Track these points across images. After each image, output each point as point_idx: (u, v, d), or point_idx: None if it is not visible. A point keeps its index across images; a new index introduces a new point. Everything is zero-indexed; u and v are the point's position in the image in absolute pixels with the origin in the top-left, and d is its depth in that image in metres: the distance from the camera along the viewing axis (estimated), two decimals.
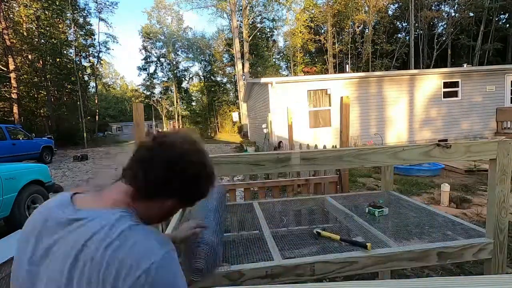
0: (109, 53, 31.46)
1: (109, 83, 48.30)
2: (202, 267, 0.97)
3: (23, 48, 20.99)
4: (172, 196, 0.73)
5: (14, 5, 20.73)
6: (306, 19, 31.01)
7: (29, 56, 22.34)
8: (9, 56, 18.99)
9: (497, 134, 11.22)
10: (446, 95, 11.12)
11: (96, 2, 27.06)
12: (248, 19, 29.14)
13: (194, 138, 0.77)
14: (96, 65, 29.29)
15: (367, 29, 30.66)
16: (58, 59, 24.35)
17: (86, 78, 28.33)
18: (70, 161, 13.56)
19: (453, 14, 28.73)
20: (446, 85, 11.10)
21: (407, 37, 29.17)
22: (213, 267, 1.02)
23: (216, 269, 1.04)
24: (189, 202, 0.80)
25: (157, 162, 0.69)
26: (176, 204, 0.75)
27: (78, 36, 26.18)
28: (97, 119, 30.25)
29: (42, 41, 22.55)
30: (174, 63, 36.44)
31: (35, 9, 21.72)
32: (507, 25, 28.09)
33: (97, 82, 31.55)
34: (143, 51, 36.50)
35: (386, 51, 29.04)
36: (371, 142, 10.25)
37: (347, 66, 23.64)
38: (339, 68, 31.04)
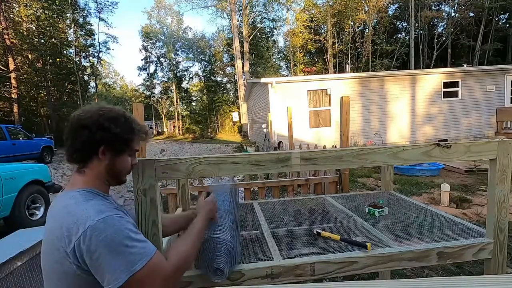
0: (109, 53, 31.51)
1: (109, 83, 48.27)
2: (223, 268, 0.99)
3: (23, 48, 20.99)
4: (95, 147, 0.86)
5: (14, 5, 20.72)
6: (306, 19, 30.99)
7: (29, 56, 22.34)
8: (9, 56, 18.99)
9: (497, 134, 11.22)
10: (446, 95, 11.12)
11: (96, 2, 27.09)
12: (248, 19, 29.14)
13: (92, 106, 0.90)
14: (96, 65, 29.29)
15: (367, 29, 30.65)
16: (58, 59, 24.35)
17: (86, 78, 28.32)
18: None
19: (453, 14, 28.73)
20: (446, 85, 11.10)
21: (407, 37, 29.16)
22: (233, 266, 1.04)
23: (235, 268, 1.06)
24: (117, 143, 0.88)
25: (66, 134, 0.89)
26: (109, 152, 0.88)
27: (78, 36, 26.18)
28: None
29: (42, 41, 22.55)
30: (174, 63, 36.43)
31: (35, 9, 21.72)
32: (507, 25, 28.08)
33: (97, 82, 31.54)
34: (143, 51, 36.50)
35: (386, 51, 29.03)
36: (371, 142, 10.25)
37: (347, 66, 23.58)
38: (339, 68, 31.03)
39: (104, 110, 0.88)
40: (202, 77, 37.74)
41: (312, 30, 32.26)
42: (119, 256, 0.74)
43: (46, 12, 22.32)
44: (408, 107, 11.01)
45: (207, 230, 1.10)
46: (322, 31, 33.21)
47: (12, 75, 18.93)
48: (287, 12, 32.93)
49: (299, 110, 10.05)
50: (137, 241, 0.78)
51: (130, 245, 0.76)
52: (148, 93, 37.69)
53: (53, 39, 23.02)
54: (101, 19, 27.84)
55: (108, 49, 29.85)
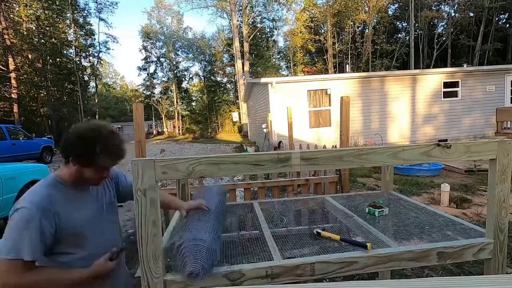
0: (109, 53, 31.51)
1: (109, 83, 48.32)
2: (197, 271, 0.97)
3: (23, 48, 20.99)
4: (68, 155, 1.10)
5: (14, 5, 20.71)
6: (306, 19, 30.99)
7: (29, 56, 22.34)
8: (9, 56, 18.99)
9: (497, 134, 11.22)
10: (446, 95, 11.13)
11: (96, 2, 27.10)
12: (248, 19, 29.14)
13: (91, 126, 1.10)
14: (96, 65, 29.29)
15: (367, 29, 30.65)
16: (58, 59, 24.35)
17: (86, 78, 28.33)
18: None
19: (453, 14, 28.73)
20: (446, 85, 11.10)
21: (407, 37, 29.15)
22: (209, 269, 1.01)
23: (212, 270, 1.03)
24: (80, 158, 1.08)
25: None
26: (76, 163, 1.09)
27: (78, 36, 26.18)
28: (97, 119, 30.24)
29: (42, 41, 22.55)
30: (174, 63, 36.42)
31: (35, 9, 21.71)
32: (507, 25, 28.09)
33: (97, 82, 31.56)
34: (143, 51, 36.49)
35: (386, 51, 29.03)
36: (371, 142, 10.25)
37: (347, 66, 23.60)
38: (339, 68, 31.03)
39: (81, 130, 1.10)
40: (202, 77, 37.74)
41: (312, 30, 32.25)
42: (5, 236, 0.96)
43: (46, 12, 22.32)
44: (408, 107, 11.01)
45: (187, 229, 1.12)
46: (322, 31, 33.20)
47: (12, 75, 18.93)
48: (287, 12, 32.95)
49: (299, 110, 10.05)
50: (13, 239, 0.95)
51: (7, 234, 0.96)
52: (148, 93, 37.68)
53: (53, 39, 23.02)
54: (101, 19, 27.89)
55: (108, 49, 29.92)
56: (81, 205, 1.13)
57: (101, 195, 1.23)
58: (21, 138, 11.17)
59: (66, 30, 25.50)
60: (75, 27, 25.42)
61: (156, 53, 36.94)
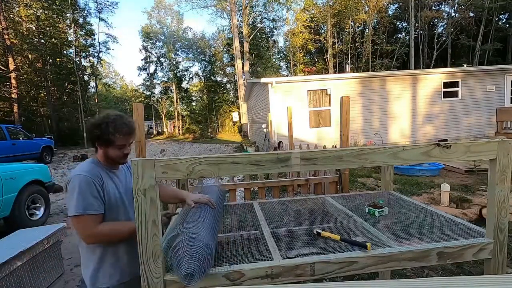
0: (109, 53, 31.51)
1: (109, 83, 48.25)
2: (193, 272, 0.97)
3: (23, 48, 20.98)
4: (93, 141, 1.37)
5: (14, 5, 20.70)
6: (306, 19, 30.98)
7: (29, 56, 22.32)
8: (9, 56, 18.98)
9: (497, 134, 11.23)
10: (446, 95, 11.12)
11: (96, 2, 27.02)
12: (248, 19, 29.12)
13: (103, 115, 1.37)
14: (96, 65, 29.27)
15: (367, 29, 30.65)
16: (58, 59, 24.33)
17: (86, 78, 28.30)
18: (70, 161, 13.56)
19: (453, 14, 28.73)
20: (446, 85, 11.10)
21: (407, 37, 29.14)
22: (205, 270, 1.01)
23: (208, 271, 1.03)
24: (102, 140, 1.34)
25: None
26: (101, 145, 1.36)
27: (78, 36, 26.15)
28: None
29: (42, 41, 22.53)
30: (174, 63, 36.41)
31: (35, 9, 21.70)
32: (507, 25, 28.08)
33: (97, 82, 31.54)
34: (143, 51, 36.48)
35: (386, 51, 29.03)
36: (371, 142, 10.25)
37: (347, 66, 23.59)
38: (339, 68, 31.02)
39: (95, 120, 1.37)
40: (202, 77, 37.71)
41: (312, 30, 32.25)
42: (74, 198, 1.23)
43: (46, 12, 22.28)
44: (409, 107, 11.01)
45: (184, 230, 1.12)
46: (322, 31, 33.20)
47: (12, 75, 18.92)
48: (287, 12, 32.93)
49: (299, 110, 10.05)
50: (83, 199, 1.23)
51: (79, 197, 1.23)
52: (148, 93, 37.66)
53: (53, 39, 22.98)
54: (101, 19, 27.80)
55: (108, 49, 29.82)
56: (113, 182, 1.38)
57: (128, 181, 1.46)
58: (21, 138, 11.16)
59: (66, 30, 25.46)
60: (75, 27, 25.38)
61: (156, 53, 36.95)
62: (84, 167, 1.31)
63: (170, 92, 37.53)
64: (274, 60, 35.51)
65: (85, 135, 22.86)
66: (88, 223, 1.22)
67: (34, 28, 22.47)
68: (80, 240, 1.29)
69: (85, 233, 1.23)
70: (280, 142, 9.52)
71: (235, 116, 26.73)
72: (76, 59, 25.37)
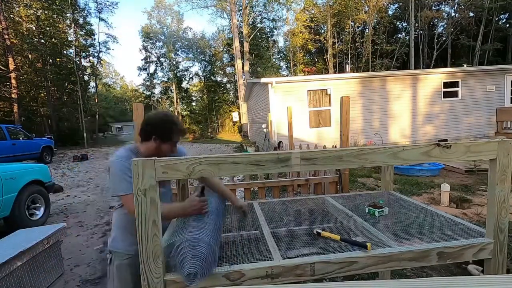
0: (109, 53, 31.50)
1: (109, 83, 48.28)
2: (195, 271, 0.97)
3: (23, 48, 20.97)
4: (150, 135, 1.50)
5: (14, 5, 20.69)
6: (306, 19, 30.98)
7: (29, 56, 22.31)
8: (9, 56, 18.97)
9: (497, 134, 11.23)
10: (446, 95, 11.13)
11: (96, 2, 27.03)
12: (248, 19, 29.13)
13: (159, 112, 1.55)
14: (96, 65, 29.26)
15: (367, 29, 30.65)
16: (58, 59, 24.32)
17: (86, 78, 28.30)
18: (70, 161, 13.56)
19: (453, 14, 28.73)
20: (446, 85, 11.10)
21: (407, 37, 29.14)
22: (208, 270, 1.01)
23: (211, 271, 1.03)
24: (163, 137, 1.49)
25: (142, 124, 1.55)
26: (158, 139, 1.49)
27: (78, 36, 26.14)
28: (97, 119, 30.25)
29: (42, 41, 22.52)
30: (174, 63, 36.41)
31: (35, 9, 21.69)
32: (507, 25, 28.07)
33: (97, 82, 31.54)
34: (143, 51, 36.50)
35: (386, 51, 29.02)
36: (371, 142, 10.25)
37: (347, 66, 23.57)
38: (339, 68, 31.02)
39: (161, 115, 1.52)
40: (202, 77, 37.72)
41: (312, 30, 32.25)
42: (114, 181, 1.42)
43: (46, 12, 22.26)
44: (409, 107, 11.01)
45: (187, 229, 1.13)
46: (322, 31, 33.20)
47: (12, 75, 18.91)
48: (287, 12, 32.95)
49: (299, 110, 10.05)
50: (125, 181, 1.40)
51: (121, 179, 1.40)
52: (148, 93, 37.67)
53: (53, 39, 22.96)
54: (101, 19, 27.82)
55: (108, 49, 29.83)
56: None
57: None
58: (21, 138, 11.16)
59: (66, 30, 25.46)
60: (75, 27, 25.38)
61: (156, 53, 36.97)
62: (122, 153, 1.47)
63: (170, 92, 37.53)
64: (274, 60, 35.52)
65: (85, 134, 22.98)
66: (131, 201, 1.32)
67: (34, 28, 22.46)
68: (119, 213, 1.55)
69: (131, 207, 1.36)
70: (280, 142, 9.52)
71: (235, 116, 26.73)
72: (76, 59, 25.36)
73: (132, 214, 1.37)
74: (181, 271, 0.99)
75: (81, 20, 26.45)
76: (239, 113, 26.03)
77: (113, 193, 1.44)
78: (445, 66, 26.39)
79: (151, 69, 37.18)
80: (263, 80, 10.48)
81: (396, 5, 32.84)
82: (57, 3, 22.39)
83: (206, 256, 0.99)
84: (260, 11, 32.05)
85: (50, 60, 23.86)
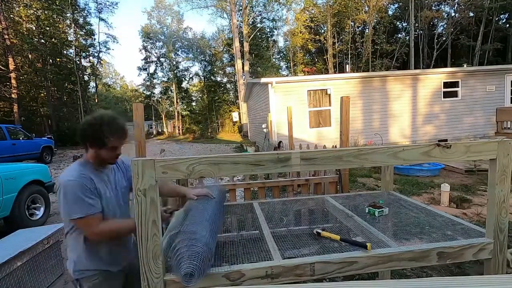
0: (109, 53, 31.49)
1: (109, 83, 48.27)
2: (192, 271, 0.97)
3: (23, 48, 20.97)
4: (84, 141, 1.36)
5: (14, 5, 20.69)
6: (306, 19, 30.97)
7: (29, 56, 22.30)
8: (9, 56, 18.97)
9: (497, 134, 11.23)
10: (446, 95, 11.12)
11: (96, 2, 27.04)
12: (248, 19, 29.12)
13: (97, 114, 1.37)
14: (96, 65, 29.26)
15: (367, 29, 30.64)
16: (58, 59, 24.33)
17: (86, 78, 28.30)
18: (70, 161, 13.55)
19: (453, 14, 28.72)
20: (446, 85, 11.10)
21: (407, 37, 29.13)
22: (205, 270, 1.01)
23: (207, 271, 1.03)
24: (95, 143, 1.34)
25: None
26: (92, 146, 1.35)
27: (78, 36, 26.15)
28: None
29: (42, 41, 22.52)
30: (174, 63, 36.40)
31: (35, 9, 21.69)
32: (507, 25, 28.06)
33: (97, 82, 31.53)
34: (143, 51, 36.47)
35: (386, 51, 29.01)
36: (371, 142, 10.25)
37: (347, 66, 23.57)
38: (339, 68, 31.01)
39: (89, 119, 1.35)
40: (202, 77, 37.71)
41: (312, 30, 32.24)
42: (68, 203, 1.28)
43: (46, 12, 22.27)
44: (409, 106, 11.01)
45: (184, 229, 1.13)
46: (322, 31, 33.19)
47: (12, 75, 18.91)
48: (287, 12, 32.95)
49: (299, 110, 10.05)
50: (82, 202, 1.27)
51: (78, 201, 1.27)
52: (148, 93, 37.64)
53: (53, 39, 22.97)
54: (101, 19, 27.84)
55: (108, 49, 29.84)
56: (102, 182, 1.40)
57: (117, 180, 1.48)
58: (21, 138, 11.16)
59: (66, 30, 25.46)
60: (75, 27, 25.38)
61: (156, 53, 36.93)
62: (72, 172, 1.32)
63: (170, 92, 37.50)
64: (274, 60, 35.50)
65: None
66: (91, 223, 1.29)
67: (34, 28, 22.46)
68: (73, 236, 1.37)
69: (89, 231, 1.31)
70: (280, 142, 9.51)
71: (235, 116, 26.73)
72: (76, 59, 25.36)
73: (93, 237, 1.32)
74: (178, 271, 0.99)
75: (81, 20, 26.45)
76: (239, 113, 26.03)
77: (68, 217, 1.28)
78: (445, 66, 26.37)
79: (151, 69, 37.20)
80: (263, 80, 10.48)
81: (396, 5, 32.84)
82: (57, 3, 22.40)
83: (202, 256, 0.99)
84: (260, 11, 32.06)
85: (50, 60, 23.86)
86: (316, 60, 34.93)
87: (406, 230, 1.45)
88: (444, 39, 29.08)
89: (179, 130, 35.79)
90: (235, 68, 29.10)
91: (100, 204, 1.33)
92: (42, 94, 23.73)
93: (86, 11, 26.88)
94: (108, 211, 1.38)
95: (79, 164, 1.38)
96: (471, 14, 27.40)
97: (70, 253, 1.39)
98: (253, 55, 30.29)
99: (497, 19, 27.89)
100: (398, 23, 33.61)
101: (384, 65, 28.07)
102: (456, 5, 28.38)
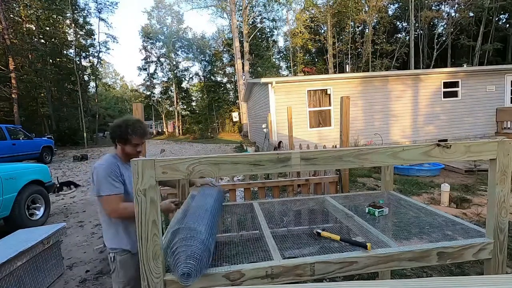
0: (109, 53, 31.50)
1: (109, 83, 48.26)
2: (189, 271, 0.97)
3: (23, 48, 20.96)
4: (114, 139, 1.70)
5: (14, 5, 20.68)
6: (306, 19, 30.97)
7: (29, 56, 22.30)
8: (9, 56, 18.97)
9: (497, 134, 11.22)
10: (447, 95, 11.12)
11: (96, 2, 27.00)
12: (248, 19, 29.12)
13: (124, 118, 1.72)
14: (96, 65, 29.26)
15: (367, 29, 30.63)
16: (58, 59, 24.31)
17: (86, 78, 28.29)
18: (70, 161, 13.56)
19: (453, 14, 28.71)
20: (446, 85, 11.10)
21: (407, 37, 29.12)
22: (202, 270, 1.01)
23: (205, 271, 1.03)
24: (121, 139, 1.67)
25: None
26: (119, 143, 1.69)
27: (78, 36, 26.14)
28: (97, 119, 30.24)
29: (42, 41, 22.50)
30: (174, 63, 36.39)
31: (35, 9, 21.68)
32: (507, 25, 28.06)
33: (97, 82, 31.52)
34: (143, 51, 36.46)
35: (386, 51, 29.00)
36: (371, 142, 10.25)
37: (347, 66, 23.58)
38: (339, 68, 31.01)
39: (117, 122, 1.69)
40: (202, 77, 37.70)
41: (312, 30, 32.23)
42: (98, 183, 1.58)
43: (46, 12, 22.27)
44: (409, 106, 11.01)
45: (182, 228, 1.13)
46: (322, 31, 33.18)
47: (12, 75, 18.90)
48: (287, 12, 32.94)
49: (299, 110, 10.05)
50: (108, 183, 1.58)
51: (105, 181, 1.58)
52: (148, 93, 37.63)
53: (53, 39, 22.96)
54: (101, 19, 27.78)
55: (108, 49, 29.79)
56: (127, 172, 1.69)
57: None
58: (21, 138, 11.16)
59: (66, 30, 25.45)
60: (75, 27, 25.37)
61: (156, 53, 36.91)
62: (104, 160, 1.65)
63: (170, 92, 37.49)
64: (274, 60, 35.49)
65: (85, 134, 22.98)
66: (112, 201, 1.58)
67: (34, 28, 22.45)
68: (102, 214, 1.66)
69: (110, 209, 1.58)
70: (280, 142, 9.51)
71: (235, 116, 26.73)
72: (76, 59, 25.35)
73: (110, 215, 1.61)
74: (176, 271, 0.99)
75: (81, 20, 26.43)
76: (239, 113, 26.03)
77: (96, 193, 1.58)
78: (445, 66, 26.37)
79: (151, 69, 37.17)
80: (263, 80, 10.48)
81: (396, 5, 32.82)
82: (57, 3, 22.39)
83: (200, 256, 0.99)
84: (260, 11, 32.06)
85: (50, 60, 23.85)
86: (316, 60, 34.92)
87: (406, 230, 1.44)
88: (444, 39, 29.07)
89: (179, 130, 35.78)
90: (235, 68, 29.10)
91: (124, 189, 1.62)
92: (42, 94, 23.73)
93: (86, 11, 26.86)
94: (131, 197, 1.61)
95: (110, 156, 1.70)
96: (471, 14, 27.39)
97: (104, 228, 1.72)
98: (253, 55, 30.29)
99: (497, 19, 27.88)
100: (398, 23, 33.60)
101: (384, 65, 28.05)
102: (456, 5, 28.37)
